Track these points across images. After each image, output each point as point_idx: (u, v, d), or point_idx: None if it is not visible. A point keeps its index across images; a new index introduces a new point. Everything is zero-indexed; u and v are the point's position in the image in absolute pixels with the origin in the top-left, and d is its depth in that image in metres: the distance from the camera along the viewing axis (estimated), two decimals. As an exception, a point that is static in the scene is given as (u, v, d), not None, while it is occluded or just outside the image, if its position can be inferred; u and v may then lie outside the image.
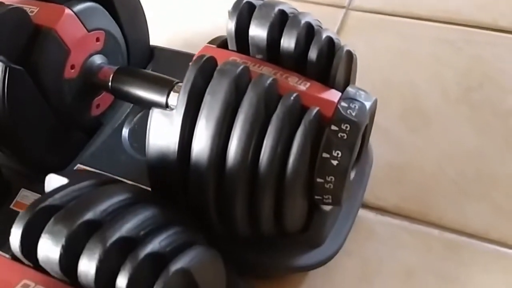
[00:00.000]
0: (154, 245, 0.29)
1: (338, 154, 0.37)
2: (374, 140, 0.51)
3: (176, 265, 0.29)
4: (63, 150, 0.49)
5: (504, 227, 0.50)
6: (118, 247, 0.29)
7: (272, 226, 0.40)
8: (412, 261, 0.48)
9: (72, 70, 0.46)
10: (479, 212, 0.51)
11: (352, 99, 0.38)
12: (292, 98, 0.36)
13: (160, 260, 0.29)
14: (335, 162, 0.37)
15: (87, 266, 0.28)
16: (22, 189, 0.47)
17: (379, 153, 0.53)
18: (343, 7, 0.71)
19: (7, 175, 0.47)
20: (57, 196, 0.30)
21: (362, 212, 0.51)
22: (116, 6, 0.50)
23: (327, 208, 0.43)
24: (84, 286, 0.29)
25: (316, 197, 0.40)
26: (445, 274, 0.47)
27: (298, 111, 0.37)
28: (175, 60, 0.56)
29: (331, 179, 0.38)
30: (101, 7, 0.48)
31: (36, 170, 0.44)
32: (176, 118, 0.35)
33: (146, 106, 0.45)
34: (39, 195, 0.39)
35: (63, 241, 0.28)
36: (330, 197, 0.39)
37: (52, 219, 0.28)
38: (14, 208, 0.45)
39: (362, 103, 0.38)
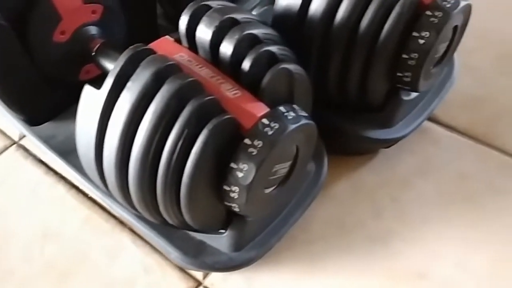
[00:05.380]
0: (272, 48, 0.38)
1: (425, 34, 0.41)
2: (463, 73, 0.54)
3: (285, 65, 0.38)
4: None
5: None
6: (248, 40, 0.38)
7: (357, 92, 0.45)
8: (468, 169, 0.50)
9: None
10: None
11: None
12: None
13: (274, 59, 0.38)
14: (421, 41, 0.41)
15: (227, 47, 0.38)
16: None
17: (463, 84, 0.55)
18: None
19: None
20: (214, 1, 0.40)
21: (431, 125, 0.54)
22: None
23: (404, 96, 0.47)
24: (222, 62, 0.38)
25: (398, 74, 0.43)
26: (495, 186, 0.49)
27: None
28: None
29: (415, 56, 0.42)
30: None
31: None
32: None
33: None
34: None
35: (216, 23, 0.38)
36: (410, 74, 0.43)
37: (210, 11, 0.38)
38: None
39: (457, 0, 0.42)
